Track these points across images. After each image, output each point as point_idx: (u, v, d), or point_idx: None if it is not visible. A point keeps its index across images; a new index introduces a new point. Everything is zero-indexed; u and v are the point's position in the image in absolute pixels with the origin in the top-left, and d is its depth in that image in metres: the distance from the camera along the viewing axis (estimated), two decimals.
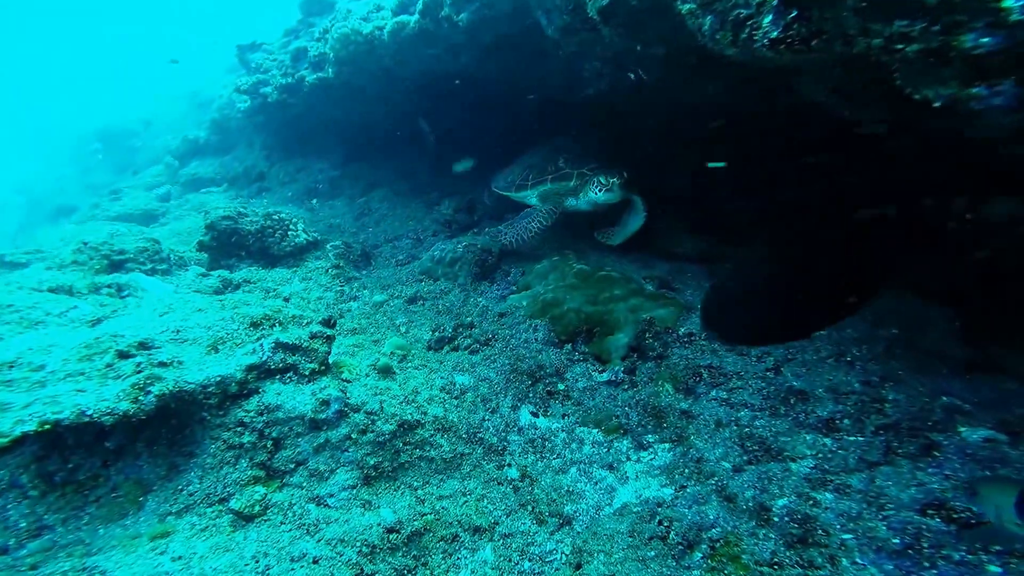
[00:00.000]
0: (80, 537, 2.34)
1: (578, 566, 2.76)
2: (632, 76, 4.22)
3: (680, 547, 2.69)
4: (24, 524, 2.32)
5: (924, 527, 2.52)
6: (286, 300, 4.08)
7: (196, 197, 8.41)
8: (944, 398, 3.22)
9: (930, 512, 2.58)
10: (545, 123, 6.27)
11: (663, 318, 4.18)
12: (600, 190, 5.03)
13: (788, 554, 2.55)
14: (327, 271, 4.90)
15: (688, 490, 3.02)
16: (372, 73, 6.15)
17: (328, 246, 5.28)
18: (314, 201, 7.48)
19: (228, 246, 4.91)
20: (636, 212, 5.29)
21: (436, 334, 4.18)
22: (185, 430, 2.78)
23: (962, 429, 3.01)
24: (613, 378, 3.96)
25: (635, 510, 2.94)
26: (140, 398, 2.51)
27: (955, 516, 2.51)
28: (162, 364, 2.72)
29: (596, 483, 3.29)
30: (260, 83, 7.71)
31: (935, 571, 2.31)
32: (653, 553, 2.68)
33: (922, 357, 3.53)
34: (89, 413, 2.39)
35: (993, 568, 2.26)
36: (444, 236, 5.97)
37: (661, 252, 5.83)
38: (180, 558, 2.31)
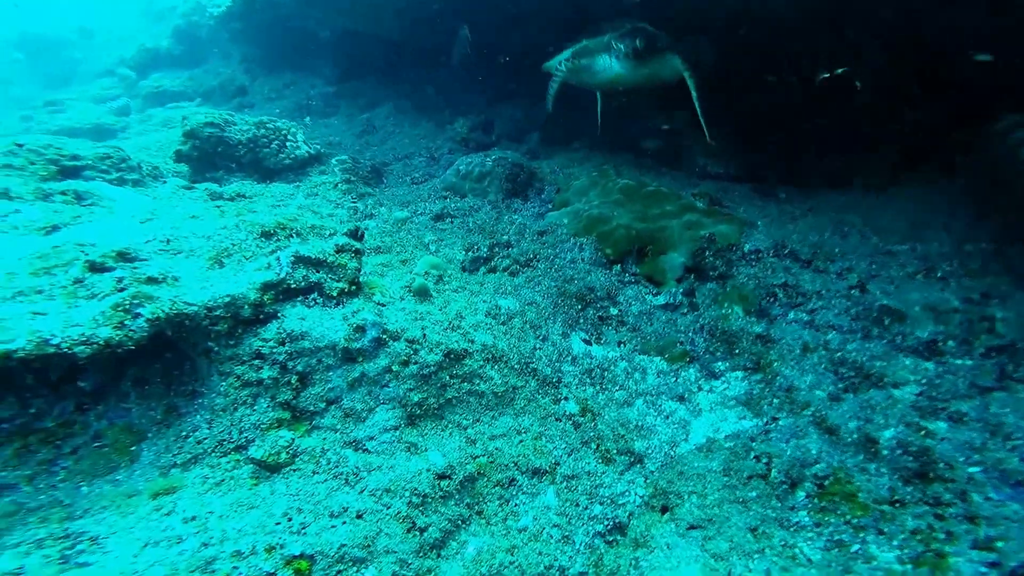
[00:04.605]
0: (56, 497, 1.75)
1: (664, 509, 2.32)
2: None
3: (783, 486, 2.26)
4: None
5: None
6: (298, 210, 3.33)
7: (162, 112, 7.12)
8: None
9: None
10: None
11: (725, 234, 3.60)
12: (615, 57, 4.03)
13: (908, 490, 2.15)
14: (336, 186, 4.11)
15: (781, 422, 2.56)
16: None
17: (333, 160, 4.45)
18: (307, 119, 6.48)
19: (213, 156, 4.04)
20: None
21: (470, 254, 3.53)
22: (184, 364, 2.15)
23: None
24: (670, 301, 3.43)
25: (727, 446, 2.48)
26: (127, 322, 1.85)
27: None
28: (152, 280, 2.04)
29: (667, 416, 2.82)
30: None
31: None
32: (755, 494, 2.24)
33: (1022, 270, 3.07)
34: (55, 342, 1.73)
35: None
36: (461, 154, 5.18)
37: (700, 172, 5.22)
38: (193, 519, 1.76)
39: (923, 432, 2.35)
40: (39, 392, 1.76)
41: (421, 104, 6.48)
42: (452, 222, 3.98)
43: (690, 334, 3.21)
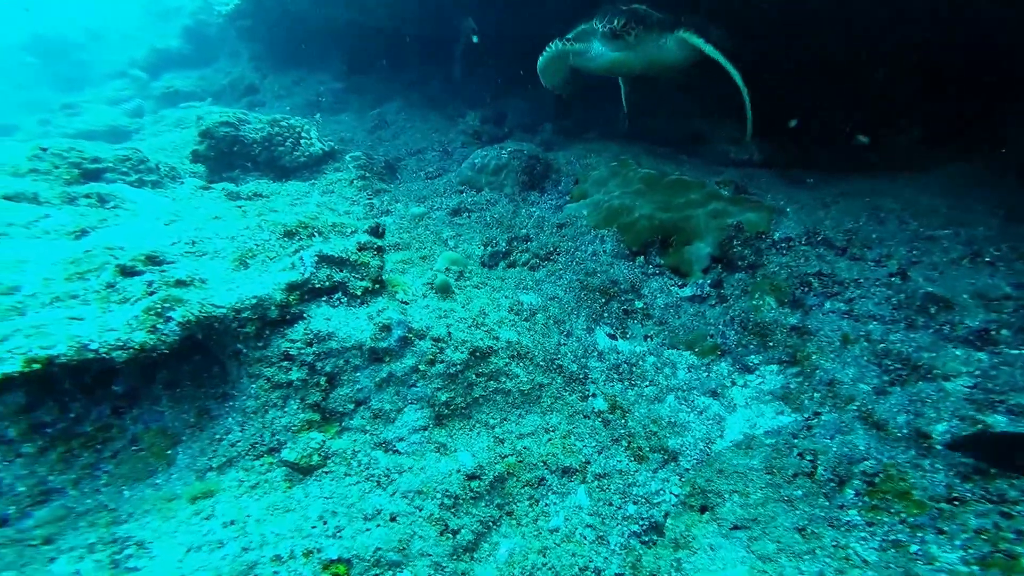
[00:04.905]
0: (101, 502, 1.80)
1: (704, 509, 2.30)
2: None
3: (831, 484, 2.21)
4: (23, 488, 1.77)
5: None
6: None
7: (175, 113, 7.23)
8: None
9: None
10: None
11: (753, 222, 3.53)
12: (600, 40, 3.88)
13: (967, 487, 2.08)
14: (351, 183, 4.14)
15: (824, 417, 2.51)
16: None
17: (347, 157, 4.47)
18: (317, 116, 6.52)
19: (229, 156, 4.09)
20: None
21: (489, 248, 3.53)
22: (213, 367, 2.19)
23: None
24: (698, 292, 3.38)
25: (767, 442, 2.45)
26: (159, 326, 1.88)
27: None
28: (180, 283, 2.07)
29: (700, 412, 2.79)
30: None
31: None
32: (800, 492, 2.20)
33: None
34: (93, 347, 1.77)
35: None
36: (474, 148, 5.18)
37: (723, 159, 5.13)
38: (232, 523, 1.79)
39: (980, 426, 2.28)
40: (75, 396, 1.81)
41: (430, 98, 6.50)
42: (469, 216, 3.98)
43: (720, 327, 3.17)
